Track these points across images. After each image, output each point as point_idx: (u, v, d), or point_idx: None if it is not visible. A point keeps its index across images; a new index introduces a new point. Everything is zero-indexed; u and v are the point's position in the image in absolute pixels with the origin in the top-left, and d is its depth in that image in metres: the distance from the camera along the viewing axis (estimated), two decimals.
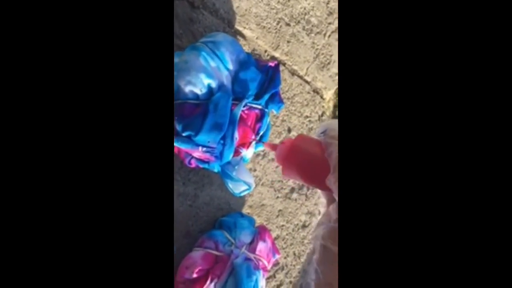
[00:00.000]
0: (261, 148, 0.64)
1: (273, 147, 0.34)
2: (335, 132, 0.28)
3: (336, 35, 1.00)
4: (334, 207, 0.25)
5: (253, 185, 0.56)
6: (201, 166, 0.56)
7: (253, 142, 0.60)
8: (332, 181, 0.26)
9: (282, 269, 0.89)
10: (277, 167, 0.86)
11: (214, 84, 0.50)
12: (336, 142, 0.27)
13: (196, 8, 0.63)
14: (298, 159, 0.31)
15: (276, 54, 0.82)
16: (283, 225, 0.89)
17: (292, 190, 0.91)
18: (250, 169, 0.80)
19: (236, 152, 0.57)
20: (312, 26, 0.92)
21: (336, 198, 0.25)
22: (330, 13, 0.97)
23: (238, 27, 0.72)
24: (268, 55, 0.81)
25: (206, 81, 0.50)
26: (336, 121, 0.29)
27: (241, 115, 0.55)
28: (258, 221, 0.81)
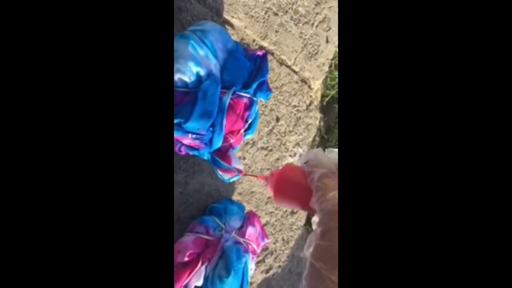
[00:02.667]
0: (250, 136, 0.65)
1: (265, 178, 0.40)
2: (316, 162, 0.31)
3: (323, 25, 1.01)
4: (317, 226, 0.28)
5: (242, 173, 0.58)
6: (191, 153, 0.57)
7: (242, 130, 0.62)
8: (314, 202, 0.29)
9: (271, 254, 0.92)
10: (266, 155, 0.88)
11: (203, 72, 0.51)
12: (316, 169, 0.30)
13: None
14: (286, 187, 0.36)
15: (265, 44, 0.83)
16: (272, 212, 0.91)
17: None
18: (240, 157, 0.81)
19: (225, 140, 0.58)
20: (300, 16, 0.93)
21: (319, 216, 0.28)
22: (318, 3, 0.98)
23: (226, 16, 0.72)
24: (256, 44, 0.81)
25: (195, 69, 0.51)
26: (316, 151, 0.33)
27: (230, 103, 0.56)
28: (248, 207, 0.83)
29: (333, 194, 0.27)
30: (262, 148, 0.87)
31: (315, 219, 0.33)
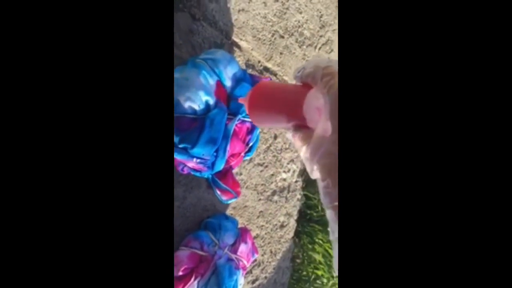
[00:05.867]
0: (249, 157, 0.69)
1: (243, 99, 0.34)
2: (314, 62, 0.28)
3: (326, 47, 1.04)
4: (329, 114, 0.25)
5: (240, 194, 0.61)
6: (192, 173, 0.60)
7: (243, 153, 0.65)
8: (321, 88, 0.26)
9: (259, 265, 0.96)
10: (261, 171, 0.91)
11: (211, 101, 0.54)
12: (316, 65, 0.27)
13: (197, 20, 0.65)
14: (264, 97, 0.31)
15: (269, 65, 0.86)
16: (262, 225, 0.95)
17: (274, 192, 0.97)
18: (236, 173, 0.84)
19: (226, 162, 0.61)
20: (305, 38, 0.96)
21: (329, 100, 0.25)
22: (323, 26, 1.02)
23: (235, 38, 0.75)
24: (261, 65, 0.84)
25: (205, 98, 0.53)
26: (310, 60, 0.29)
27: (234, 128, 0.59)
28: (240, 221, 0.86)
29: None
30: (259, 164, 0.90)
31: (297, 142, 0.29)
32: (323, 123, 0.25)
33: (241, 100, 0.35)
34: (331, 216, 0.25)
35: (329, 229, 0.26)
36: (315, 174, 0.26)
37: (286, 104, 0.29)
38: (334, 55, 1.06)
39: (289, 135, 0.30)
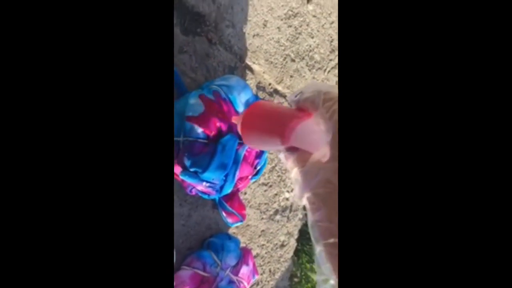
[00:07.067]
0: (256, 180, 0.69)
1: (237, 118, 0.34)
2: (312, 87, 0.27)
3: (335, 71, 1.06)
4: (330, 141, 0.24)
5: (245, 217, 0.62)
6: (200, 195, 0.61)
7: (250, 176, 0.66)
8: (323, 113, 0.24)
9: (257, 284, 0.96)
10: (265, 190, 0.92)
11: (224, 127, 0.55)
12: (315, 90, 0.26)
13: (213, 44, 0.67)
14: (258, 117, 0.31)
15: (279, 88, 0.88)
16: (263, 244, 0.95)
17: (276, 212, 0.98)
18: (241, 192, 0.85)
19: (234, 186, 0.62)
20: (315, 62, 0.98)
21: (331, 127, 0.24)
22: (333, 50, 1.04)
23: (248, 62, 0.77)
24: (271, 87, 0.86)
25: (218, 124, 0.54)
26: (308, 84, 0.29)
27: (244, 154, 0.60)
28: (242, 240, 0.86)
29: None
30: (263, 184, 0.91)
31: (290, 164, 0.28)
32: (323, 149, 0.24)
33: (234, 119, 0.34)
34: (320, 255, 0.23)
35: (315, 265, 0.24)
36: (304, 201, 0.25)
37: (281, 126, 0.28)
38: None
39: (281, 155, 0.29)
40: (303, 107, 0.27)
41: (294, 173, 0.26)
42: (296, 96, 0.28)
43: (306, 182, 0.24)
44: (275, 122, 0.29)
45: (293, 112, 0.28)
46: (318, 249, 0.23)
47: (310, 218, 0.23)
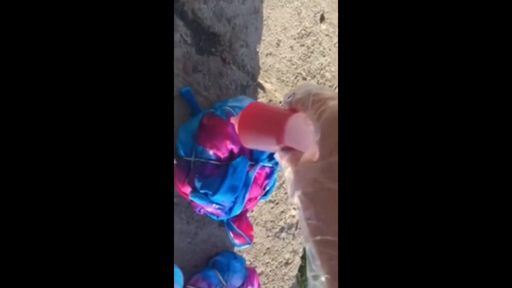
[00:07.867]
0: (264, 200, 0.69)
1: (234, 119, 0.34)
2: (305, 87, 0.28)
3: None
4: (318, 141, 0.24)
5: (253, 239, 0.61)
6: (208, 215, 0.60)
7: (259, 197, 0.65)
8: (312, 114, 0.25)
9: None
10: (272, 208, 0.91)
11: (236, 150, 0.55)
12: (307, 89, 0.27)
13: (227, 63, 0.67)
14: (255, 116, 0.32)
15: None
16: (268, 262, 0.94)
17: (282, 229, 0.97)
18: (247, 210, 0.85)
19: (243, 207, 0.62)
20: (326, 80, 0.98)
21: (319, 128, 0.24)
22: None
23: (260, 80, 0.77)
24: (282, 105, 0.86)
25: (230, 146, 0.54)
26: (301, 85, 0.29)
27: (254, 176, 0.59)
28: (247, 258, 0.86)
29: (334, 103, 0.25)
30: (270, 201, 0.90)
31: (284, 162, 0.29)
32: (312, 148, 0.25)
33: (232, 120, 0.35)
34: (310, 250, 0.23)
35: (307, 265, 0.24)
36: (295, 199, 0.25)
37: (275, 126, 0.29)
38: None
39: (276, 155, 0.30)
40: (295, 108, 0.28)
41: (288, 172, 0.27)
42: (289, 98, 0.29)
43: (297, 181, 0.25)
44: (270, 122, 0.30)
45: (287, 112, 0.29)
46: (308, 246, 0.24)
47: (301, 216, 0.24)
